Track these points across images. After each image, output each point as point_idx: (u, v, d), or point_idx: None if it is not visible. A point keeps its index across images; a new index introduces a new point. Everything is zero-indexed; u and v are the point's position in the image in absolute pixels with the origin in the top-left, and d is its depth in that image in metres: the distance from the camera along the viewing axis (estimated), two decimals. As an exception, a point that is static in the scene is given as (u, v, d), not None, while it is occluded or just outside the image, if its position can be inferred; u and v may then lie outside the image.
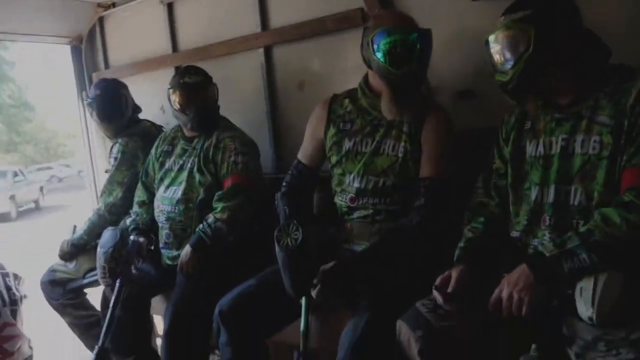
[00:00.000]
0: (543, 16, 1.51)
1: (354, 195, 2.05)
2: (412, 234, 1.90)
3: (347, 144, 2.10)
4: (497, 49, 1.58)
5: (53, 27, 3.73)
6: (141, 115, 3.20)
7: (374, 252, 1.90)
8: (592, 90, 1.55)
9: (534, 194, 1.62)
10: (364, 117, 2.09)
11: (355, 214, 2.07)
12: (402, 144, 2.00)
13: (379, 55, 1.92)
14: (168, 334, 2.30)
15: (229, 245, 2.40)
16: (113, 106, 3.02)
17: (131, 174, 2.90)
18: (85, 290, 3.03)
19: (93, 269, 2.88)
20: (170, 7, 3.40)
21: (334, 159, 2.14)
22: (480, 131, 2.01)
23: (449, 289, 1.61)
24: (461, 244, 1.74)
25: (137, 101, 3.21)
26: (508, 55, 1.55)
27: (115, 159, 2.94)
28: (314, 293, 1.80)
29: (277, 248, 1.77)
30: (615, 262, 1.36)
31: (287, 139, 2.95)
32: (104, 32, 3.87)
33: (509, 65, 1.55)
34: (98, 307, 2.91)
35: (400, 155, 2.00)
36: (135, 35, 3.67)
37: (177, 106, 2.56)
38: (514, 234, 1.68)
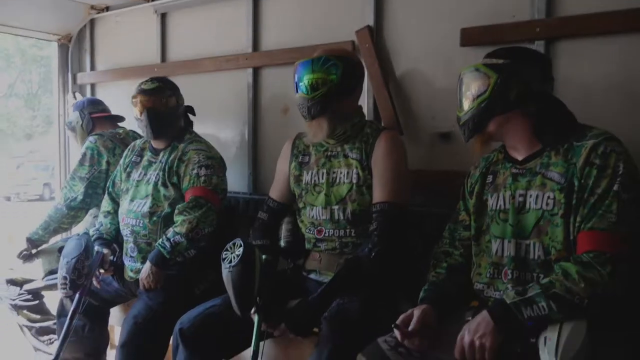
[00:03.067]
0: (510, 69, 1.58)
1: (320, 228, 2.08)
2: (367, 264, 1.89)
3: (306, 177, 2.15)
4: (463, 86, 1.67)
5: (44, 23, 3.72)
6: (125, 123, 3.22)
7: (334, 287, 1.88)
8: (545, 148, 1.60)
9: (494, 247, 1.66)
10: (318, 148, 2.15)
11: (323, 246, 2.08)
12: (355, 170, 2.04)
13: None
14: (124, 347, 2.24)
15: (191, 259, 2.37)
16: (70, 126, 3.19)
17: (94, 171, 2.89)
18: (43, 293, 2.95)
19: (52, 271, 2.85)
20: (163, 17, 3.41)
21: (296, 193, 2.18)
22: (456, 174, 2.05)
23: (411, 327, 1.61)
24: (425, 287, 1.77)
25: (119, 107, 3.21)
26: (468, 93, 1.64)
27: (82, 154, 2.92)
28: (254, 317, 1.80)
29: (222, 266, 1.77)
30: (573, 314, 1.39)
31: (266, 161, 2.96)
32: (94, 34, 3.87)
33: (466, 103, 1.65)
34: (54, 311, 2.84)
35: (354, 181, 2.03)
36: (124, 41, 3.67)
37: (135, 113, 2.52)
38: (477, 285, 1.70)
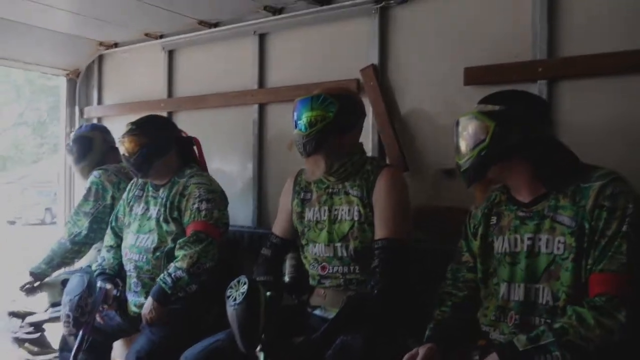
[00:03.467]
0: (508, 115, 1.59)
1: (324, 265, 2.09)
2: (370, 301, 1.89)
3: (308, 214, 2.17)
4: (461, 133, 1.67)
5: (53, 58, 3.80)
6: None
7: (337, 324, 1.88)
8: (550, 191, 1.60)
9: (502, 290, 1.65)
10: (319, 185, 2.18)
11: (327, 282, 2.09)
12: (356, 207, 2.05)
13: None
14: None
15: (193, 293, 2.35)
16: (82, 147, 3.11)
17: (98, 206, 2.87)
18: (45, 326, 2.94)
19: (55, 304, 2.85)
20: (171, 54, 3.48)
21: (299, 229, 2.20)
22: (460, 210, 2.07)
23: None
24: (430, 326, 1.76)
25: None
26: (467, 141, 1.64)
27: (86, 189, 2.91)
28: (259, 355, 1.78)
29: (226, 304, 1.77)
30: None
31: (271, 196, 2.98)
32: (102, 69, 3.93)
33: (465, 151, 1.65)
34: (55, 345, 2.83)
35: (355, 219, 2.05)
36: (132, 77, 3.73)
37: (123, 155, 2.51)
38: (483, 327, 1.69)
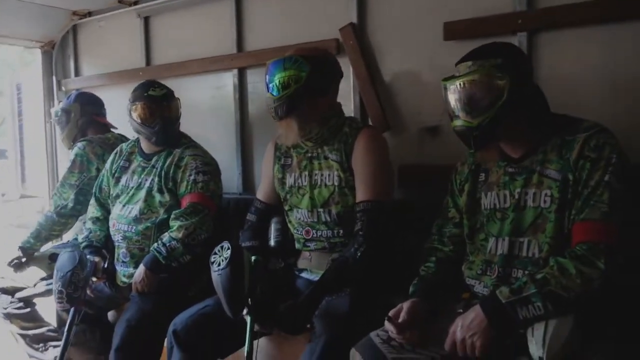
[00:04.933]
0: (514, 66, 1.52)
1: (308, 229, 2.09)
2: (353, 264, 1.89)
3: (289, 180, 2.15)
4: (464, 93, 1.54)
5: (26, 30, 3.70)
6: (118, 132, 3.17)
7: (322, 287, 1.89)
8: (540, 143, 1.59)
9: (489, 245, 1.66)
10: (299, 150, 2.14)
11: (312, 245, 2.10)
12: (335, 172, 2.03)
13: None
14: (119, 350, 2.24)
15: (185, 264, 2.37)
16: (60, 120, 3.08)
17: (83, 178, 2.86)
18: (35, 300, 2.94)
19: (44, 278, 2.86)
20: (146, 21, 3.40)
21: (281, 195, 2.19)
22: (445, 168, 2.07)
23: (400, 319, 1.62)
24: (414, 282, 1.77)
25: (108, 114, 3.19)
26: (477, 101, 1.52)
27: (71, 161, 2.90)
28: (247, 318, 1.79)
29: (211, 270, 1.77)
30: (567, 312, 1.40)
31: (255, 162, 2.97)
32: (77, 40, 3.85)
33: (478, 111, 1.52)
34: (47, 318, 2.86)
35: (335, 184, 2.03)
36: (108, 46, 3.66)
37: (139, 120, 2.47)
38: (467, 280, 1.71)
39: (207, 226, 2.37)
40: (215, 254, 1.77)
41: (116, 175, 2.60)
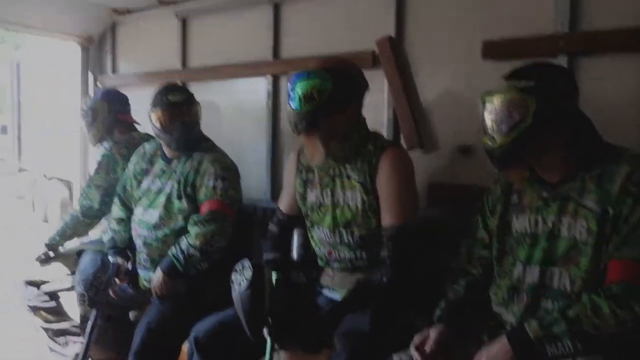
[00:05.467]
0: (546, 91, 1.46)
1: (330, 250, 2.05)
2: (379, 289, 1.86)
3: (310, 196, 2.10)
4: (493, 112, 1.51)
5: (66, 24, 3.76)
6: (143, 129, 3.17)
7: (345, 304, 1.87)
8: (579, 171, 1.52)
9: (517, 270, 1.61)
10: (320, 167, 2.06)
11: (335, 265, 2.06)
12: (358, 194, 1.97)
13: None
14: (137, 354, 2.26)
15: (203, 270, 2.36)
16: (87, 119, 3.09)
17: (110, 179, 2.88)
18: (59, 295, 2.98)
19: (70, 273, 2.89)
20: (184, 23, 3.43)
21: (302, 210, 2.14)
22: (476, 188, 2.03)
23: (427, 349, 1.59)
24: (442, 304, 1.73)
25: (140, 113, 3.20)
26: (503, 121, 1.48)
27: (97, 162, 2.93)
28: (267, 335, 1.76)
29: (232, 288, 1.74)
30: (597, 353, 1.36)
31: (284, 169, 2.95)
32: (115, 37, 3.90)
33: (501, 132, 1.49)
34: (70, 314, 2.90)
35: (359, 206, 1.96)
36: (146, 45, 3.71)
37: (159, 125, 2.46)
38: (495, 308, 1.67)
39: (225, 234, 2.36)
40: (236, 271, 1.73)
41: (138, 177, 2.60)
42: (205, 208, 2.37)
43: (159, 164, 2.56)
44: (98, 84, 3.96)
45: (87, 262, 2.42)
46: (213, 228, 2.32)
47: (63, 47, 6.41)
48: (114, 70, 3.92)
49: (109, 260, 2.47)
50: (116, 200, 2.70)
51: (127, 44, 3.86)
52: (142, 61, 3.71)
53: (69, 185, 7.63)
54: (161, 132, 2.48)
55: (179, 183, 2.44)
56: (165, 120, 2.44)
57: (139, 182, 2.59)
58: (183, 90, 2.56)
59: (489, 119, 1.53)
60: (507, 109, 1.48)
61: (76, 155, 4.11)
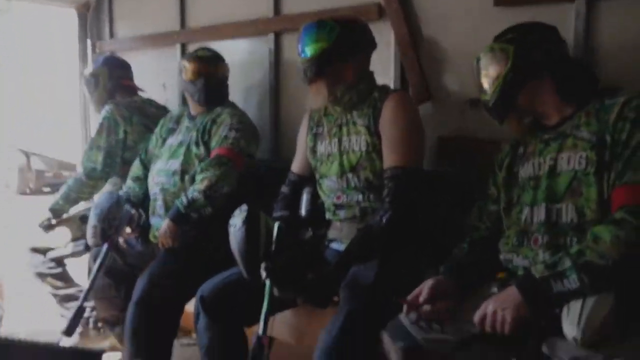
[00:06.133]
0: (525, 37, 1.58)
1: (338, 194, 2.05)
2: (378, 231, 1.84)
3: (320, 147, 2.13)
4: (481, 69, 1.65)
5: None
6: (146, 96, 3.17)
7: (348, 256, 1.86)
8: (576, 110, 1.54)
9: (524, 215, 1.60)
10: (329, 118, 2.12)
11: (342, 214, 2.04)
12: (363, 137, 1.98)
13: None
14: (138, 304, 2.25)
15: (208, 218, 2.34)
16: (89, 85, 3.10)
17: (111, 140, 2.88)
18: (65, 262, 2.96)
19: (75, 239, 2.88)
20: (182, -19, 3.33)
21: (312, 165, 2.17)
22: (486, 142, 1.98)
23: (421, 299, 1.59)
24: (447, 264, 1.72)
25: (139, 76, 3.16)
26: (489, 74, 1.61)
27: (99, 124, 2.92)
28: (263, 275, 1.78)
29: (229, 231, 1.81)
30: (606, 285, 1.32)
31: (288, 129, 2.89)
32: (112, 1, 3.81)
33: (488, 84, 1.62)
34: (77, 280, 2.90)
35: (363, 149, 1.98)
36: (143, 8, 3.62)
37: (187, 77, 2.54)
38: (504, 255, 1.65)
39: (229, 179, 2.35)
40: (234, 216, 1.80)
41: (164, 136, 2.65)
42: (213, 154, 2.40)
43: (184, 122, 2.62)
44: (97, 50, 3.88)
45: (103, 199, 2.47)
46: (218, 172, 2.32)
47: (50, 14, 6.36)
48: (111, 35, 3.85)
49: (123, 202, 2.52)
50: (136, 161, 2.74)
51: (124, 8, 3.78)
52: (141, 24, 3.62)
53: (26, 153, 9.44)
54: (187, 85, 2.56)
55: (197, 131, 2.49)
56: (193, 72, 2.52)
57: (164, 140, 2.64)
58: (213, 50, 2.64)
59: (480, 76, 1.65)
60: (491, 61, 1.61)
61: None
